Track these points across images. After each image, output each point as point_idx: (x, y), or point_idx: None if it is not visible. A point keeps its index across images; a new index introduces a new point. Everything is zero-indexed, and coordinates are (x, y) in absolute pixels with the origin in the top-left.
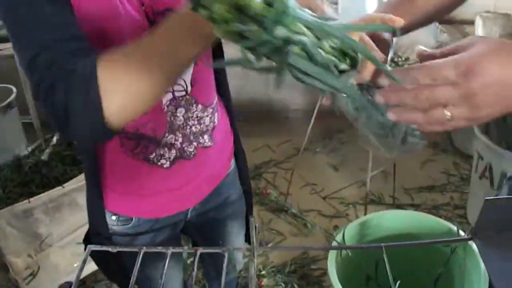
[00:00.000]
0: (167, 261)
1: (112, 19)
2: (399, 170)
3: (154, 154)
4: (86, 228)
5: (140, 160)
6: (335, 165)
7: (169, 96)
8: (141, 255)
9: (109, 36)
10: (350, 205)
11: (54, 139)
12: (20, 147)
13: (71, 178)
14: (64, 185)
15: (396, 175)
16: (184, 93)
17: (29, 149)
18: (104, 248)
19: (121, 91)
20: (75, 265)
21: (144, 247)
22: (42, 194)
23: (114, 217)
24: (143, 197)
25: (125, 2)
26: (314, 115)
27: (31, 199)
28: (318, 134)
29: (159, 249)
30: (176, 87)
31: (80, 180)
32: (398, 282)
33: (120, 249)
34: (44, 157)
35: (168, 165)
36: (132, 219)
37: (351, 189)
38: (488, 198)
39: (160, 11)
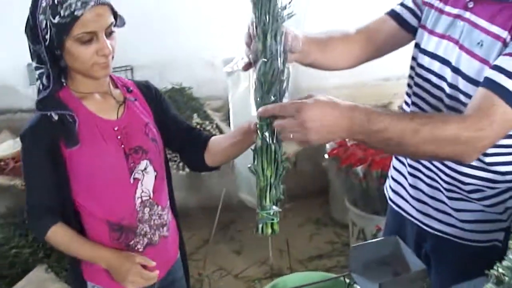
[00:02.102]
0: None
1: (98, 155)
2: (292, 246)
3: (132, 241)
4: None
5: (122, 246)
6: (237, 250)
7: (139, 200)
8: None
9: (95, 168)
10: (256, 281)
11: None
12: None
13: None
14: None
15: (289, 250)
16: (148, 197)
17: None
18: None
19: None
20: None
21: None
22: None
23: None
24: None
25: (109, 143)
26: (219, 211)
27: None
28: (217, 226)
29: None
30: (143, 194)
31: None
32: None
33: None
34: None
35: (141, 249)
36: None
37: (255, 268)
38: (353, 245)
39: (133, 147)
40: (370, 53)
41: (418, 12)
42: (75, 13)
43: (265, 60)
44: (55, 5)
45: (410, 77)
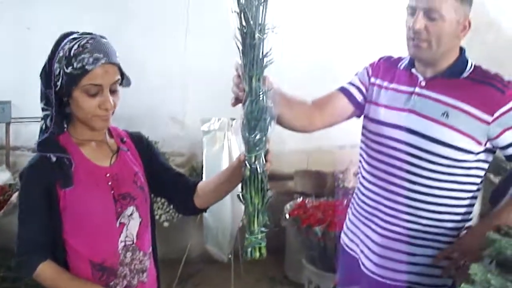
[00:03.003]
0: None
1: (89, 198)
2: None
3: (113, 282)
4: None
5: (103, 285)
6: None
7: (122, 244)
8: None
9: (85, 209)
10: None
11: None
12: None
13: None
14: None
15: None
16: (131, 242)
17: None
18: None
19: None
20: None
21: None
22: None
23: None
24: None
25: (100, 187)
26: (182, 265)
27: None
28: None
29: None
30: (127, 239)
31: None
32: None
33: None
34: None
35: None
36: None
37: None
38: None
39: (122, 194)
40: (322, 121)
41: (364, 90)
42: (86, 67)
43: (252, 99)
44: (70, 57)
45: (365, 144)
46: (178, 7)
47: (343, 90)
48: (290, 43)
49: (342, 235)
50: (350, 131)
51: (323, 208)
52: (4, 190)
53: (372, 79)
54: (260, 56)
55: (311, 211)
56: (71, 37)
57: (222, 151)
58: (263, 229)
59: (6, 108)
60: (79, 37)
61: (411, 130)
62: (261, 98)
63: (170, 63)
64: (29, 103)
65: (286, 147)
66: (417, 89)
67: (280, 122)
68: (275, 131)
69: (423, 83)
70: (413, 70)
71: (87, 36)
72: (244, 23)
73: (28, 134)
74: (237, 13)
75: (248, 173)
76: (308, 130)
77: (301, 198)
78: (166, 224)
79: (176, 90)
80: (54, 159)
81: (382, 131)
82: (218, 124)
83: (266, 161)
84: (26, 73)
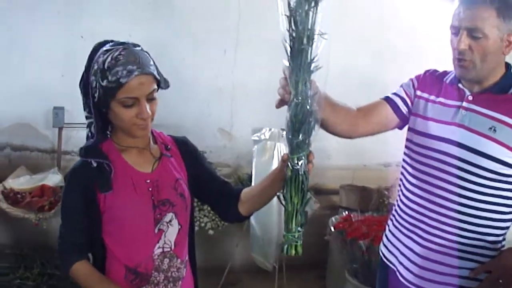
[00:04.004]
0: None
1: (128, 203)
2: None
3: (145, 287)
4: None
5: None
6: None
7: (160, 250)
8: None
9: (124, 215)
10: None
11: None
12: None
13: None
14: None
15: None
16: (169, 249)
17: None
18: None
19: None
20: None
21: None
22: None
23: None
24: None
25: (140, 193)
26: (226, 273)
27: None
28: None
29: None
30: (165, 245)
31: None
32: None
33: None
34: None
35: None
36: None
37: None
38: None
39: (162, 200)
40: (365, 128)
41: (408, 102)
42: (120, 80)
43: (297, 102)
44: (104, 70)
45: (409, 157)
46: (229, 21)
47: (388, 100)
48: (338, 53)
49: (382, 247)
50: (398, 149)
51: (368, 223)
52: (56, 192)
53: (418, 92)
54: (308, 61)
55: (356, 225)
56: (104, 48)
57: (272, 161)
58: (300, 228)
59: (60, 114)
60: (112, 49)
61: (459, 144)
62: (306, 102)
63: (219, 76)
64: (81, 110)
65: (332, 163)
66: (465, 104)
67: (324, 126)
68: (321, 147)
69: (470, 98)
70: (460, 85)
71: (119, 46)
72: (293, 27)
73: (78, 139)
74: (287, 17)
75: (290, 173)
76: (351, 136)
77: (346, 212)
78: (211, 232)
79: (225, 102)
80: (95, 164)
81: (429, 144)
82: (268, 134)
83: (308, 162)
84: (78, 81)
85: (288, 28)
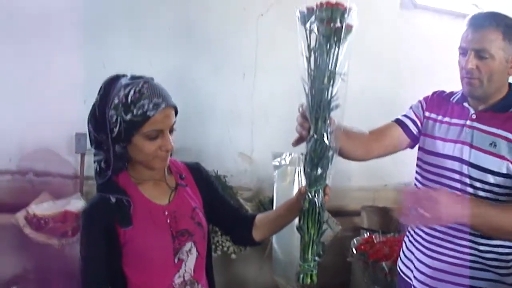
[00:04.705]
0: None
1: (148, 236)
2: None
3: None
4: None
5: None
6: None
7: (181, 279)
8: None
9: (144, 247)
10: None
11: None
12: None
13: None
14: None
15: None
16: (190, 276)
17: None
18: None
19: None
20: None
21: None
22: None
23: None
24: None
25: (158, 225)
26: None
27: None
28: None
29: None
30: (185, 274)
31: None
32: None
33: None
34: None
35: None
36: None
37: None
38: None
39: (180, 230)
40: (378, 151)
41: (418, 123)
42: (147, 113)
43: (316, 139)
44: (128, 104)
45: (421, 175)
46: (247, 46)
47: (399, 122)
48: (356, 74)
49: (399, 261)
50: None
51: (390, 244)
52: (79, 217)
53: (427, 113)
54: (327, 99)
55: (378, 246)
56: (124, 83)
57: (293, 185)
58: (316, 258)
59: (82, 140)
60: (132, 82)
61: (465, 161)
62: (324, 138)
63: (239, 100)
64: None
65: (353, 184)
66: (468, 122)
67: (339, 153)
68: (341, 169)
69: (473, 116)
70: (465, 104)
71: (139, 80)
72: (312, 67)
73: None
74: (307, 57)
75: (307, 205)
76: (364, 159)
77: (368, 233)
78: (233, 256)
79: (245, 126)
80: (113, 200)
81: (438, 162)
82: (289, 159)
83: (324, 195)
84: None
85: (307, 68)
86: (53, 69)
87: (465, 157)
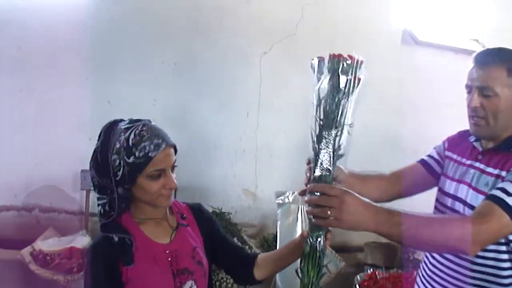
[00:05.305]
0: None
1: (149, 274)
2: None
3: None
4: None
5: None
6: None
7: None
8: None
9: (146, 285)
10: None
11: None
12: None
13: None
14: None
15: None
16: None
17: None
18: None
19: None
20: None
21: None
22: None
23: None
24: None
25: (160, 264)
26: None
27: None
28: None
29: None
30: None
31: None
32: None
33: None
34: None
35: None
36: None
37: None
38: None
39: (181, 269)
40: (399, 191)
41: (442, 162)
42: (149, 154)
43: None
44: (129, 147)
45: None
46: (251, 83)
47: (422, 162)
48: (361, 112)
49: None
50: (419, 203)
51: (393, 280)
52: (84, 253)
53: (447, 152)
54: (333, 149)
55: (381, 282)
56: (123, 127)
57: (296, 223)
58: None
59: (87, 177)
60: (131, 126)
61: (464, 201)
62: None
63: (243, 137)
64: None
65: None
66: (474, 162)
67: None
68: None
69: (480, 157)
70: (476, 144)
71: (137, 124)
72: (321, 115)
73: None
74: (317, 106)
75: (308, 249)
76: (386, 200)
77: (371, 269)
78: None
79: (249, 163)
80: (116, 239)
81: (445, 201)
82: (292, 197)
83: (326, 239)
84: None
85: (315, 116)
86: (58, 105)
87: (464, 197)
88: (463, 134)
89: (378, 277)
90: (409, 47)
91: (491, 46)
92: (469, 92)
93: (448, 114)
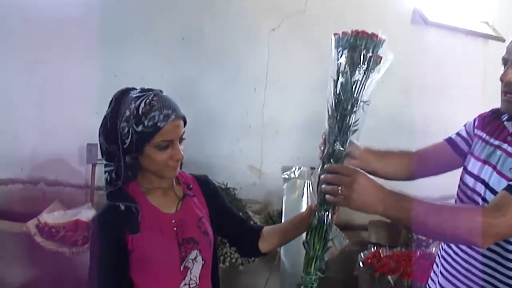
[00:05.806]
0: None
1: (155, 243)
2: None
3: None
4: None
5: None
6: None
7: (186, 286)
8: None
9: (151, 254)
10: None
11: None
12: None
13: None
14: None
15: None
16: (195, 284)
17: None
18: None
19: None
20: None
21: None
22: None
23: None
24: None
25: (165, 233)
26: None
27: None
28: None
29: None
30: (191, 282)
31: None
32: None
33: None
34: None
35: None
36: None
37: None
38: None
39: (186, 238)
40: (422, 170)
41: (470, 141)
42: (158, 124)
43: (332, 158)
44: (139, 116)
45: (457, 194)
46: (259, 60)
47: (449, 140)
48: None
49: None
50: (421, 183)
51: (396, 258)
52: (89, 226)
53: (476, 131)
54: (348, 124)
55: (384, 260)
56: (134, 95)
57: (302, 198)
58: (318, 272)
59: (93, 150)
60: (142, 95)
61: (486, 183)
62: (340, 162)
63: (249, 113)
64: None
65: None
66: (503, 144)
67: (376, 175)
68: None
69: (509, 138)
70: (508, 124)
71: (149, 93)
72: (338, 91)
73: None
74: (334, 80)
75: (316, 222)
76: (410, 179)
77: (375, 248)
78: (241, 267)
79: (255, 139)
80: (122, 207)
81: (466, 180)
82: (298, 172)
83: (333, 213)
84: None
85: (333, 91)
86: (65, 78)
87: (487, 180)
88: (496, 111)
89: (382, 255)
90: (419, 27)
91: (501, 29)
92: (504, 65)
93: (456, 95)
